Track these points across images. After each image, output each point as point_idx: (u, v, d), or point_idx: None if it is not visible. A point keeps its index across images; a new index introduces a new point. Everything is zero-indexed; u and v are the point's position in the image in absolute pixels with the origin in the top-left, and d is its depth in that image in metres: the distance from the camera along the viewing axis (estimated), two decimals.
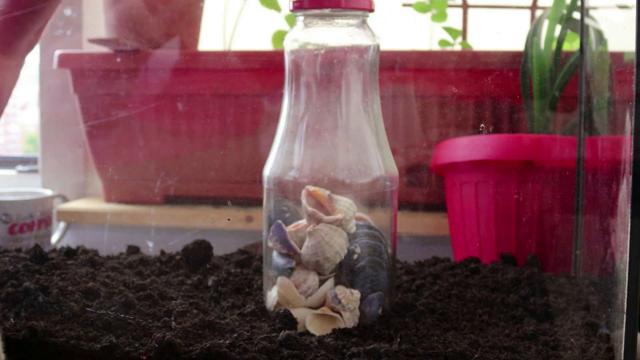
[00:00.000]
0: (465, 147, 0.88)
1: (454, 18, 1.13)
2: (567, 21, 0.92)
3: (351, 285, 0.64)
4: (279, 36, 1.10)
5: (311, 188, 0.63)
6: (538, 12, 1.10)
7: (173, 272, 0.79)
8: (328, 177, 0.64)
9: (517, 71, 0.96)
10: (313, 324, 0.63)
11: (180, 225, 1.07)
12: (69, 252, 0.84)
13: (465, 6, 1.14)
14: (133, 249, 0.89)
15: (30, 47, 0.70)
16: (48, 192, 1.10)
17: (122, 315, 0.61)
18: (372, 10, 0.66)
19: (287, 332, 0.58)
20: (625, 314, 0.50)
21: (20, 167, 1.29)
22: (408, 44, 1.11)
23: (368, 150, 0.66)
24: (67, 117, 1.17)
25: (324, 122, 0.66)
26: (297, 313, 0.63)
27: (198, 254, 0.81)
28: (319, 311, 0.63)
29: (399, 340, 0.58)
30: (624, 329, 0.50)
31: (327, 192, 0.63)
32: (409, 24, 1.12)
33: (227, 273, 0.78)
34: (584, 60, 0.82)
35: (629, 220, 0.49)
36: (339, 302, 0.63)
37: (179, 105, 1.09)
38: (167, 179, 1.10)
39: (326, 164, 0.65)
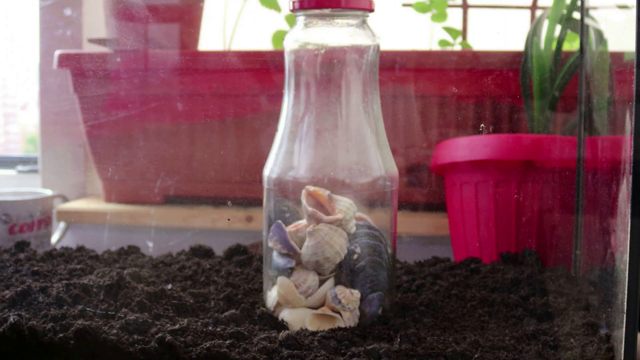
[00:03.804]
0: (465, 147, 0.88)
1: (454, 18, 1.13)
2: (567, 21, 0.92)
3: (351, 285, 0.64)
4: (279, 36, 1.10)
5: (311, 188, 0.63)
6: (538, 12, 1.10)
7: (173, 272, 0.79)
8: (328, 177, 0.64)
9: (517, 71, 0.96)
10: (313, 324, 0.63)
11: (180, 225, 1.07)
12: (68, 253, 0.84)
13: (465, 6, 1.14)
14: (133, 249, 0.89)
15: None
16: (48, 192, 1.10)
17: (121, 315, 0.61)
18: (372, 10, 0.66)
19: (287, 332, 0.58)
20: (625, 314, 0.50)
21: (20, 167, 1.29)
22: (408, 44, 1.11)
23: (368, 150, 0.66)
24: (67, 117, 1.17)
25: (324, 122, 0.66)
26: (297, 313, 0.63)
27: None
28: (319, 311, 0.63)
29: (399, 340, 0.58)
30: (624, 329, 0.50)
31: (327, 192, 0.63)
32: (409, 24, 1.12)
33: (228, 273, 0.78)
34: (584, 60, 0.82)
35: (629, 220, 0.49)
36: (339, 302, 0.63)
37: (179, 105, 1.09)
38: (167, 178, 1.10)
39: (326, 164, 0.65)
